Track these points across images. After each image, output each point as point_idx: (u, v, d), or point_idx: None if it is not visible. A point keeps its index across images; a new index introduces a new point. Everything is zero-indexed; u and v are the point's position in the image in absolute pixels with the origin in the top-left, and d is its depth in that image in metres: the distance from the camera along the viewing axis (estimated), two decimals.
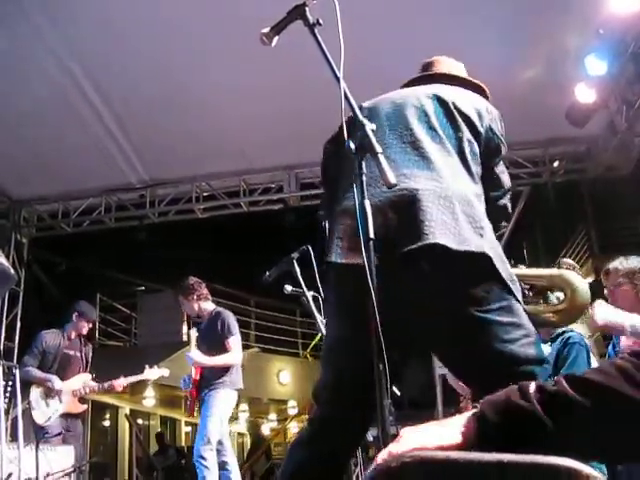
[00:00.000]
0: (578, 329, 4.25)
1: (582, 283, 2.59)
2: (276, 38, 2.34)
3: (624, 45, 6.65)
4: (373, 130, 1.99)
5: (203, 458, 5.45)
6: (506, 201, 2.63)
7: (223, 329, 5.79)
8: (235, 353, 5.80)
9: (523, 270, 2.64)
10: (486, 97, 2.74)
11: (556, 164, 9.01)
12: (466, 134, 2.43)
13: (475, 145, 2.45)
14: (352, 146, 2.00)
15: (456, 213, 2.21)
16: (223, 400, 5.71)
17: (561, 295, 2.57)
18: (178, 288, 6.17)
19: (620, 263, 3.60)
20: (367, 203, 1.95)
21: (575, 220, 14.18)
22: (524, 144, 8.68)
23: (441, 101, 2.48)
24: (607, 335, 4.12)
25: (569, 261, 2.70)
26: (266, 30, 2.33)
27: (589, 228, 13.66)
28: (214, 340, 5.78)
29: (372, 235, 1.92)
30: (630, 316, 3.11)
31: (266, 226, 10.86)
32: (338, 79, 2.13)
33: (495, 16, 6.22)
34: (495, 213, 2.53)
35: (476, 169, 2.42)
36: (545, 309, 2.45)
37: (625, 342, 3.46)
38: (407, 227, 2.17)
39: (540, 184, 9.33)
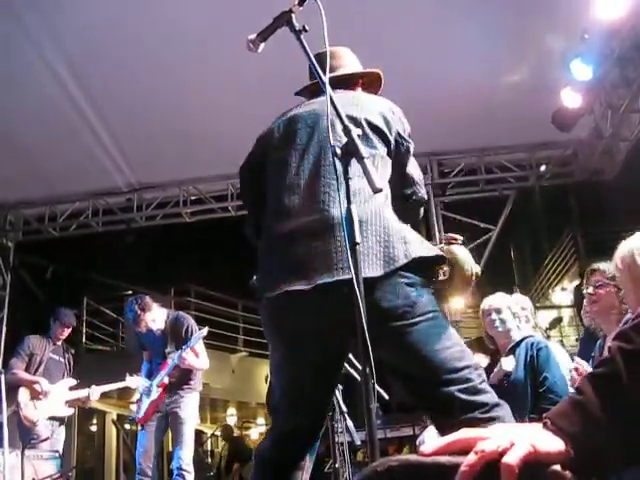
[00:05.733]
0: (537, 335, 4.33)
1: (464, 254, 2.67)
2: (262, 45, 2.34)
3: (609, 50, 6.70)
4: (359, 135, 2.00)
5: (189, 468, 5.42)
6: (421, 194, 2.71)
7: (188, 334, 5.64)
8: (205, 359, 5.76)
9: None
10: (381, 83, 2.87)
11: (542, 168, 9.06)
12: (380, 151, 2.48)
13: (387, 159, 2.50)
14: (338, 151, 2.01)
15: (378, 234, 2.26)
16: (195, 405, 5.71)
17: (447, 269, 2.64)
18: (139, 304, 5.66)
19: (608, 266, 3.60)
20: (354, 208, 1.97)
21: (561, 224, 14.24)
22: (511, 148, 8.74)
23: (352, 119, 2.45)
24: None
25: (450, 235, 2.76)
26: (252, 36, 2.33)
27: (575, 232, 13.73)
28: (180, 343, 5.62)
29: (358, 240, 1.94)
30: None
31: None
32: (324, 84, 2.13)
33: (482, 22, 6.25)
34: (412, 208, 2.69)
35: (386, 178, 2.46)
36: (436, 284, 2.50)
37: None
38: (331, 257, 2.21)
39: (526, 188, 9.38)
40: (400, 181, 2.58)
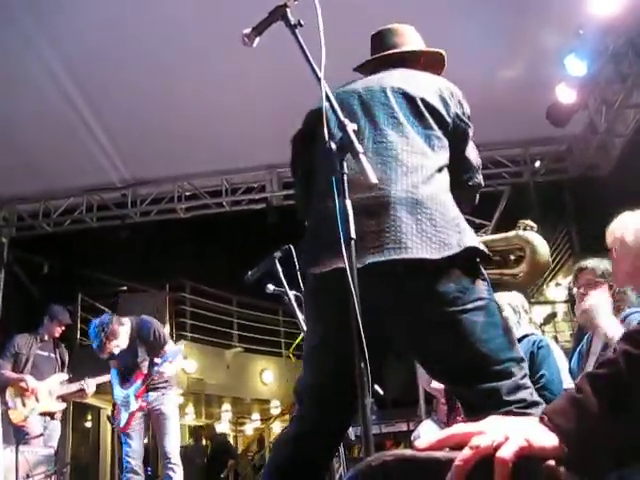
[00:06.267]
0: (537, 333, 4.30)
1: (540, 241, 2.62)
2: (257, 39, 2.33)
3: (604, 46, 6.70)
4: (354, 130, 1.99)
5: (177, 462, 5.46)
6: (478, 179, 2.64)
7: (157, 339, 5.63)
8: (178, 360, 5.76)
9: (483, 237, 2.67)
10: (443, 64, 2.84)
11: (537, 164, 9.07)
12: (435, 131, 2.43)
13: (444, 140, 2.45)
14: (333, 146, 1.99)
15: (433, 218, 2.21)
16: (176, 400, 5.83)
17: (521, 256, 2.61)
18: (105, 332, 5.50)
19: (598, 264, 3.60)
20: (348, 203, 1.95)
21: (556, 219, 14.25)
22: (505, 144, 8.75)
23: (408, 97, 2.45)
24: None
25: (527, 221, 2.71)
26: (247, 31, 2.32)
27: (570, 227, 13.73)
28: (151, 349, 5.62)
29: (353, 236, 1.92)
30: (612, 324, 3.12)
31: (248, 226, 10.84)
32: (319, 79, 2.12)
33: (476, 18, 6.25)
34: (468, 193, 2.61)
35: (445, 162, 2.42)
36: (507, 272, 2.46)
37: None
38: (383, 236, 2.17)
39: (521, 184, 9.39)
40: (457, 165, 2.50)
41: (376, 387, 4.15)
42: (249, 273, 3.68)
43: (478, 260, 2.29)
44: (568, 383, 4.12)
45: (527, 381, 2.19)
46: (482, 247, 2.30)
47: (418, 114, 2.43)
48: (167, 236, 12.11)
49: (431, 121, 2.43)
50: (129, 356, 5.60)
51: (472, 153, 2.60)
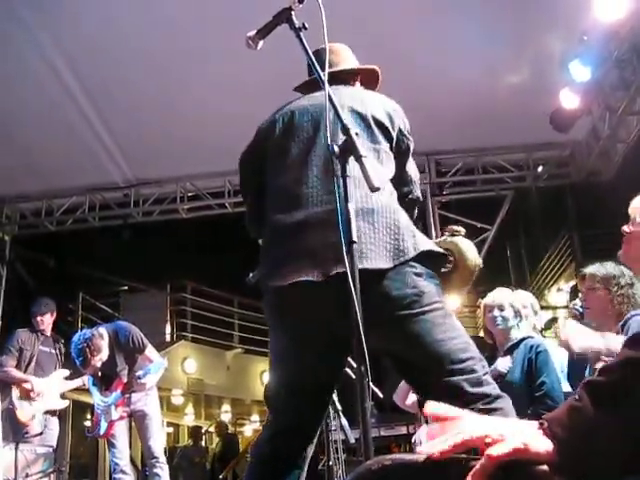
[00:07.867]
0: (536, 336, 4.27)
1: (467, 245, 2.71)
2: (261, 42, 2.34)
3: (608, 52, 6.70)
4: (357, 134, 2.01)
5: (164, 460, 5.53)
6: (417, 193, 2.75)
7: (135, 344, 5.52)
8: (158, 358, 5.72)
9: None
10: (378, 80, 2.91)
11: (540, 169, 9.07)
12: (383, 145, 2.50)
13: (390, 154, 2.53)
14: (336, 149, 2.01)
15: (389, 226, 2.29)
16: (157, 399, 5.78)
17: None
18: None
19: (597, 269, 3.61)
20: (351, 206, 1.98)
21: (558, 224, 14.25)
22: (508, 148, 8.75)
23: (357, 114, 2.51)
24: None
25: (454, 227, 2.78)
26: (252, 33, 2.33)
27: (572, 233, 13.74)
28: (129, 356, 5.56)
29: (354, 238, 1.94)
30: (599, 337, 3.14)
31: None
32: (323, 82, 2.13)
33: (481, 22, 6.25)
34: (407, 207, 2.64)
35: (391, 175, 2.50)
36: (439, 277, 2.49)
37: None
38: (339, 247, 2.18)
39: (524, 188, 9.39)
40: (398, 179, 2.58)
41: (376, 390, 4.16)
42: (250, 275, 3.67)
43: (434, 263, 2.36)
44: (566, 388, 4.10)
45: (489, 377, 2.28)
46: (436, 248, 2.39)
47: (368, 130, 2.49)
48: (169, 236, 12.13)
49: (380, 137, 2.51)
50: (108, 365, 5.49)
51: (412, 167, 2.71)
